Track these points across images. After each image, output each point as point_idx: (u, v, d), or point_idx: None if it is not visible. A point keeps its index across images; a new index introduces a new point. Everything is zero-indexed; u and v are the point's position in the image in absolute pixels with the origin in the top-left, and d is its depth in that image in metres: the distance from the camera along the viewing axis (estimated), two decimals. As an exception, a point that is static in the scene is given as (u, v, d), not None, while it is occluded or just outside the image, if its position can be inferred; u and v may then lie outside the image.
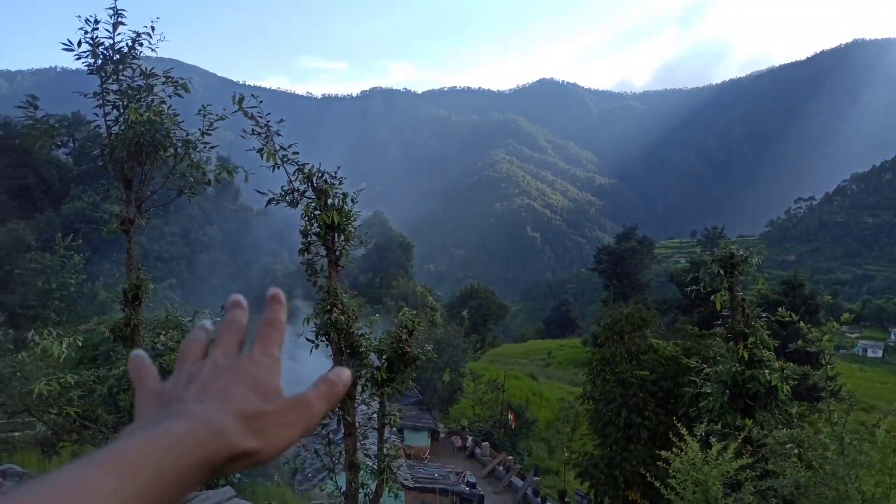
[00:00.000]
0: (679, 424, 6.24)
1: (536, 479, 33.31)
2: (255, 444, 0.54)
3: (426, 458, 38.85)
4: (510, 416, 42.17)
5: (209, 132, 6.82)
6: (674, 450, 5.99)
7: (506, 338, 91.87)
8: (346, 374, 0.63)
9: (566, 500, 31.27)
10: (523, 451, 42.34)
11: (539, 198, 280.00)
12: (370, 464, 6.92)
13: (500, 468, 37.05)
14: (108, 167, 6.58)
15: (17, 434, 16.25)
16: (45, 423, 7.32)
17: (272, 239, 65.96)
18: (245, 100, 6.99)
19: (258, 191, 6.90)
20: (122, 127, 6.37)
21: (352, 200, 6.91)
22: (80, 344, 7.38)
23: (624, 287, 73.35)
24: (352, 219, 6.84)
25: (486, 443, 41.17)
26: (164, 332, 7.43)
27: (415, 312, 6.85)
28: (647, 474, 7.00)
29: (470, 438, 42.39)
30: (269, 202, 6.90)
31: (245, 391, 0.57)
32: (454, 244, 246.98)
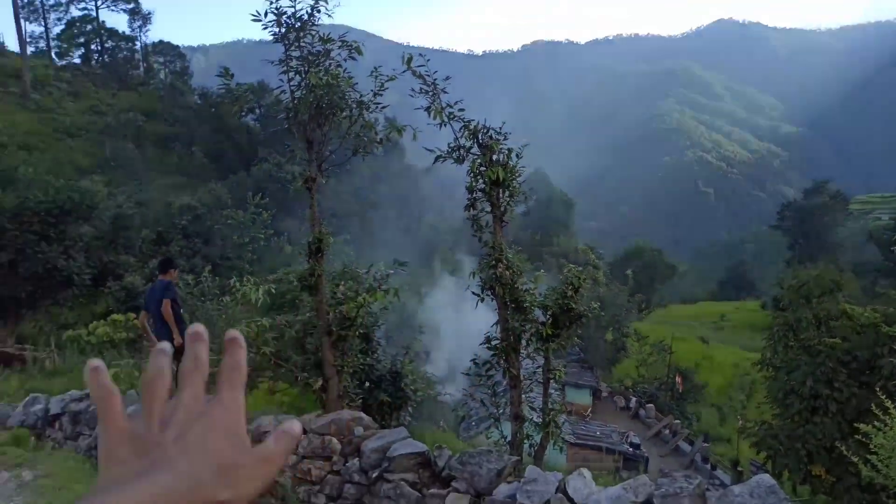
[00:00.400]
0: (883, 397, 5.58)
1: (706, 445, 31.88)
2: (228, 495, 0.55)
3: (588, 415, 38.72)
4: (678, 380, 40.53)
5: (380, 93, 7.12)
6: (875, 423, 5.40)
7: (673, 299, 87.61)
8: (297, 427, 0.63)
9: (739, 469, 29.70)
10: (691, 415, 40.63)
11: (713, 150, 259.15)
12: (534, 417, 7.05)
13: (667, 431, 35.96)
14: (292, 130, 7.14)
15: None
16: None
17: (437, 196, 67.99)
18: (413, 60, 7.18)
19: (426, 148, 7.11)
20: (304, 91, 6.84)
21: (516, 156, 6.91)
22: (273, 291, 8.19)
23: (812, 247, 66.34)
24: (516, 174, 6.85)
25: (651, 405, 40.05)
26: (342, 283, 7.98)
27: (580, 269, 6.76)
28: (844, 448, 6.39)
29: (634, 399, 41.49)
30: (436, 159, 7.11)
31: (220, 441, 0.58)
32: (618, 201, 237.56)
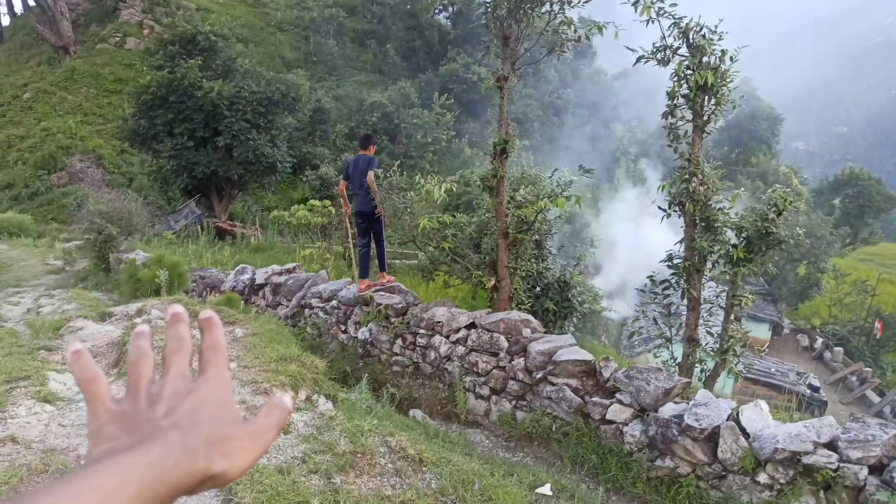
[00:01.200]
0: None
1: (900, 399, 28.76)
2: (223, 467, 0.54)
3: (764, 350, 36.42)
4: (877, 324, 36.40)
5: (583, -15, 6.68)
6: None
7: (887, 237, 77.11)
8: (288, 401, 0.62)
9: (937, 429, 26.65)
10: (886, 365, 36.61)
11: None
12: (710, 342, 6.72)
13: (854, 378, 32.89)
14: (489, 24, 6.99)
15: (397, 262, 19.87)
16: (425, 254, 8.71)
17: (624, 105, 64.31)
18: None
19: (628, 48, 6.62)
20: (505, -17, 6.61)
21: (730, 59, 6.21)
22: (454, 189, 8.41)
23: None
24: (728, 80, 6.19)
25: (840, 348, 36.61)
26: (522, 187, 7.96)
27: (787, 190, 6.09)
28: None
29: (819, 340, 38.12)
30: (637, 59, 6.61)
31: (211, 415, 0.57)
32: (834, 120, 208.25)
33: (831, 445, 4.18)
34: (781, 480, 4.19)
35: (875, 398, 29.59)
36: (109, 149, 37.87)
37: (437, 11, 60.91)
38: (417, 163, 44.63)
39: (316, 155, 39.33)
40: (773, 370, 31.20)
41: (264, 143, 28.96)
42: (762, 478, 4.26)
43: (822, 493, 4.11)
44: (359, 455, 3.50)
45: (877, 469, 4.02)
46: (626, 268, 28.45)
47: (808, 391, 26.55)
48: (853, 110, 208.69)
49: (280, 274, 10.38)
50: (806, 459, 4.10)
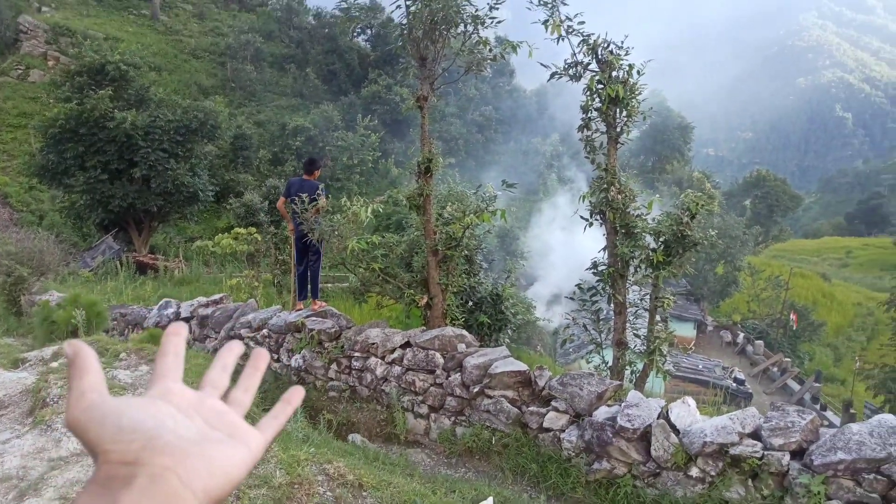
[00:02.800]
0: None
1: (817, 385, 30.49)
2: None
3: (690, 348, 37.84)
4: (792, 317, 38.53)
5: (496, 6, 6.86)
6: None
7: (795, 233, 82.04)
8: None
9: (851, 411, 28.28)
10: (804, 354, 38.77)
11: (857, 70, 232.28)
12: (638, 345, 6.96)
13: (775, 369, 34.64)
14: (406, 46, 7.06)
15: (329, 286, 19.64)
16: (356, 276, 8.64)
17: (543, 120, 66.15)
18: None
19: (542, 64, 6.83)
20: (419, 4, 6.70)
21: (637, 73, 6.51)
22: (381, 210, 8.40)
23: (964, 180, 59.44)
24: (636, 92, 6.48)
25: (760, 341, 38.51)
26: (449, 204, 8.04)
27: (698, 194, 6.42)
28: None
29: (741, 335, 40.01)
30: (551, 76, 6.83)
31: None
32: (741, 126, 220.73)
33: (755, 435, 4.38)
34: (712, 473, 4.36)
35: (796, 386, 31.20)
36: (16, 186, 35.84)
37: (355, 34, 61.02)
38: (345, 185, 44.38)
39: (239, 182, 38.48)
40: (700, 367, 32.47)
41: (184, 173, 28.11)
42: (694, 472, 4.42)
43: (749, 482, 4.30)
44: (296, 486, 3.42)
45: (798, 454, 4.25)
46: (562, 276, 29.07)
47: (734, 384, 27.78)
48: (758, 116, 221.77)
49: (206, 306, 10.06)
50: (733, 450, 4.29)
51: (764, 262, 52.57)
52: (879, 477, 3.87)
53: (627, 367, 6.83)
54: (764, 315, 42.31)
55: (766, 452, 4.23)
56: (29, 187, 35.55)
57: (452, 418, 6.05)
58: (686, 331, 39.23)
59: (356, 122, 49.37)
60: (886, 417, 4.18)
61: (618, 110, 6.58)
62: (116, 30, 51.58)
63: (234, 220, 27.40)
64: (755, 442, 4.30)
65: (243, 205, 27.44)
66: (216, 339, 9.09)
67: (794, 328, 38.78)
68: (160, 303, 11.22)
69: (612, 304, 6.93)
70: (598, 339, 7.28)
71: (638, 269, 6.63)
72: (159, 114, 27.51)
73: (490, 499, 4.42)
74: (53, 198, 33.60)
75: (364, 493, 3.58)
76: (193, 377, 3.19)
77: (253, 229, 18.69)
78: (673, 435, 4.54)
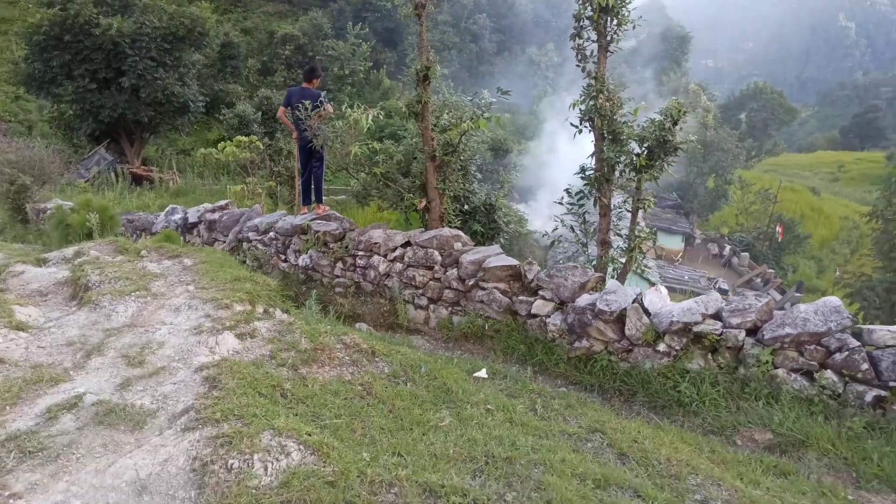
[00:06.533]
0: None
1: (798, 294, 31.67)
2: None
3: (678, 260, 38.89)
4: (777, 229, 39.36)
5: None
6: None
7: (789, 147, 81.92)
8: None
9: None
10: (787, 266, 39.89)
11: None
12: (621, 243, 7.51)
13: (758, 280, 35.82)
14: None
15: (325, 198, 20.02)
16: (357, 180, 9.06)
17: (539, 28, 64.42)
18: None
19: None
20: None
21: (628, -19, 6.71)
22: (380, 117, 8.71)
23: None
24: (626, 1, 6.71)
25: (746, 253, 39.53)
26: (446, 112, 8.35)
27: (681, 101, 6.76)
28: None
29: (728, 247, 41.00)
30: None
31: None
32: (742, 37, 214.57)
33: (717, 316, 4.98)
34: (676, 347, 5.00)
35: (778, 296, 32.34)
36: (2, 95, 35.27)
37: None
38: (336, 96, 43.76)
39: (229, 93, 37.94)
40: (685, 278, 33.54)
41: (173, 82, 27.79)
42: (661, 347, 5.05)
43: (709, 356, 4.94)
44: (319, 350, 4.00)
45: (752, 331, 4.86)
46: (559, 188, 29.32)
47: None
48: (761, 26, 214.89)
49: (213, 211, 10.50)
50: (696, 328, 4.90)
51: (756, 177, 52.95)
52: (819, 348, 4.50)
53: (610, 264, 7.41)
54: (751, 228, 43.14)
55: (724, 330, 4.85)
56: (15, 97, 35.03)
57: (450, 308, 6.65)
58: (674, 244, 40.16)
59: (346, 31, 48.04)
60: (831, 299, 4.77)
61: (608, 19, 6.82)
62: (93, -71, 48.99)
63: (228, 131, 27.35)
64: (716, 321, 4.90)
65: (236, 115, 27.34)
66: (225, 241, 9.59)
67: (780, 240, 39.71)
68: (167, 209, 11.65)
69: (597, 207, 7.43)
70: (584, 240, 7.83)
71: (623, 174, 7.08)
72: (145, 20, 26.86)
73: (483, 370, 5.07)
74: (41, 108, 33.20)
75: (376, 358, 4.18)
76: (216, 268, 3.75)
77: (254, 137, 18.89)
78: (645, 317, 5.14)
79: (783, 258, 40.21)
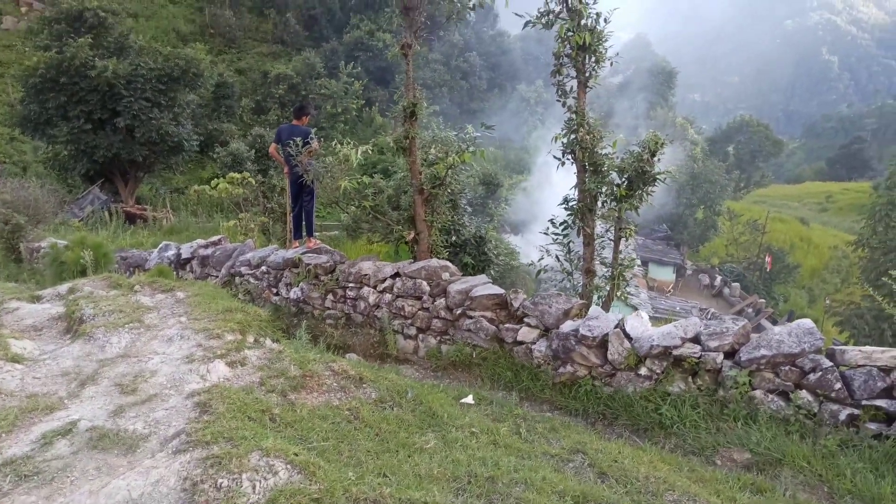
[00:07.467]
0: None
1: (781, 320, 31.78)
2: None
3: (670, 291, 39.11)
4: (767, 259, 39.71)
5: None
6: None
7: (777, 178, 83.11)
8: None
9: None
10: (778, 296, 40.14)
11: (845, 11, 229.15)
12: (605, 271, 7.68)
13: (750, 310, 35.97)
14: (390, -5, 7.49)
15: (317, 234, 20.24)
16: (347, 214, 9.25)
17: (529, 65, 65.68)
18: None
19: (516, 13, 7.31)
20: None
21: (604, 21, 7.02)
22: (370, 153, 8.96)
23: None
24: (603, 39, 7.01)
25: (737, 284, 39.78)
26: (433, 146, 8.60)
27: (658, 134, 7.02)
28: None
29: (719, 278, 41.28)
30: (525, 24, 7.33)
31: None
32: (727, 71, 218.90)
33: (696, 339, 5.13)
34: (658, 371, 5.13)
35: (769, 326, 32.43)
36: (-3, 137, 35.59)
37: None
38: (329, 133, 44.31)
39: (223, 131, 38.38)
40: (677, 308, 33.66)
41: (168, 122, 28.14)
42: (643, 371, 5.18)
43: (689, 378, 5.07)
44: (308, 377, 4.12)
45: (731, 354, 5.01)
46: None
47: (709, 324, 28.82)
48: (744, 61, 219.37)
49: (206, 247, 10.64)
50: (676, 352, 5.04)
51: (744, 207, 53.60)
52: (794, 368, 4.65)
53: (595, 292, 7.57)
54: (741, 258, 43.51)
55: (703, 353, 4.99)
56: (10, 138, 35.34)
57: (438, 338, 6.77)
58: (666, 275, 40.44)
59: (339, 70, 48.92)
60: (804, 322, 4.93)
61: (586, 56, 7.12)
62: (90, -26, 50.12)
63: (221, 169, 27.63)
64: (695, 345, 5.05)
65: (230, 153, 27.64)
66: (217, 276, 9.71)
67: (769, 270, 40.01)
68: (160, 245, 11.77)
69: (580, 236, 7.63)
70: (569, 269, 8.01)
71: (605, 204, 7.30)
72: (140, 62, 27.34)
73: (470, 396, 5.17)
74: (36, 149, 33.48)
75: (364, 385, 4.30)
76: (208, 300, 3.92)
77: (247, 174, 19.18)
78: (626, 341, 5.28)
79: (773, 288, 40.47)
